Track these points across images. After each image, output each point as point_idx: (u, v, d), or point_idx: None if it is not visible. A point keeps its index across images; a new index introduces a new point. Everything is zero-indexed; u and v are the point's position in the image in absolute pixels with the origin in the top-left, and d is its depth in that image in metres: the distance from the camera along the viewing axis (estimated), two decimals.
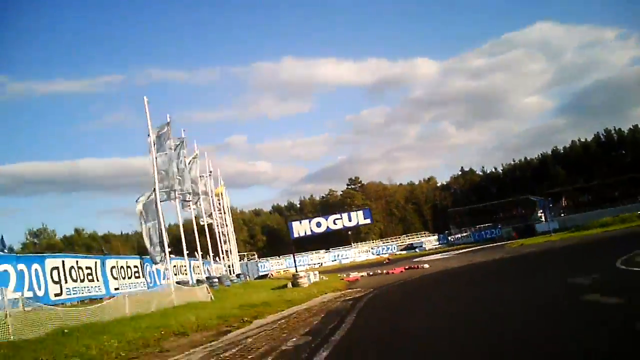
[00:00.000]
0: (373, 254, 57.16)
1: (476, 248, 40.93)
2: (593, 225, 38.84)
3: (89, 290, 14.69)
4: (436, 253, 44.36)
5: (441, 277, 19.08)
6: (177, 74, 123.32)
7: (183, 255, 21.53)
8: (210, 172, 32.90)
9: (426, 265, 25.12)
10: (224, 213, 35.60)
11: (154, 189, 18.43)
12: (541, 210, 51.99)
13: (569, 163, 66.18)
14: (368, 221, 26.62)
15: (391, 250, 57.82)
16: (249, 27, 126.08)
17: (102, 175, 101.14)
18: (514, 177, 71.53)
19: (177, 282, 17.77)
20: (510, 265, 19.87)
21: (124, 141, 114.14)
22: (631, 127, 66.22)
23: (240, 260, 42.90)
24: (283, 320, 10.63)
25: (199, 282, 19.38)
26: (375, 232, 69.80)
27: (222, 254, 33.09)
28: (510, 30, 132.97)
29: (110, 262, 16.36)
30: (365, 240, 65.13)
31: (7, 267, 11.66)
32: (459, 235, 56.95)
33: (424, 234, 64.35)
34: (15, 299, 10.29)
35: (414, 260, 33.01)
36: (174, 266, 21.22)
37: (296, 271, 25.96)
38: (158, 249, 18.36)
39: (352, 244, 60.49)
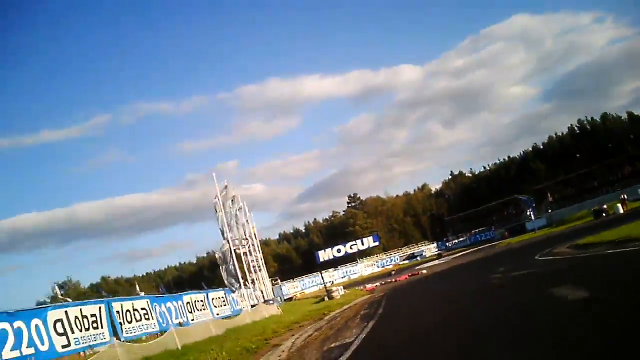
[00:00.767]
0: (378, 266, 62.06)
1: (467, 251, 49.52)
2: (570, 219, 45.85)
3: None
4: (435, 259, 52.50)
5: (431, 277, 28.62)
6: (163, 105, 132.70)
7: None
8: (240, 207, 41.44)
9: (424, 271, 34.16)
10: (253, 240, 44.03)
11: (227, 240, 27.39)
12: (530, 208, 55.79)
13: (549, 158, 70.59)
14: (377, 243, 35.92)
15: (394, 261, 63.07)
16: (231, 52, 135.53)
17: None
18: (499, 176, 76.08)
19: (264, 301, 26.61)
20: (478, 263, 28.48)
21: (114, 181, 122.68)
22: (602, 114, 70.64)
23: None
24: (346, 310, 19.54)
25: (265, 301, 28.27)
26: (379, 247, 78.53)
27: (256, 280, 41.65)
28: (488, 25, 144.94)
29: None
30: (370, 255, 73.49)
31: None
32: (456, 241, 63.77)
33: (423, 243, 70.40)
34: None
35: (416, 268, 41.98)
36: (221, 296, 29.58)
37: (326, 288, 34.91)
38: (233, 281, 27.25)
39: (358, 260, 68.41)
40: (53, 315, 12.75)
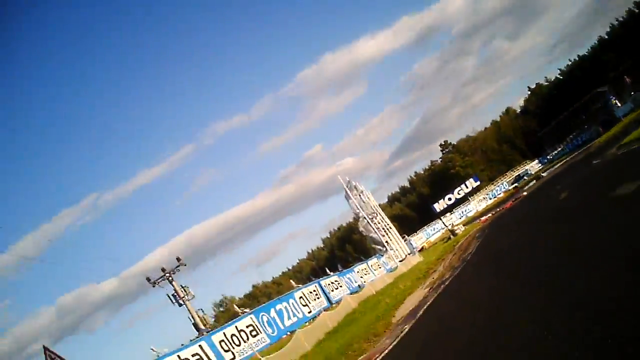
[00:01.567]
0: (490, 198, 65.58)
1: (567, 160, 54.75)
2: None
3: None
4: (540, 174, 55.67)
5: (530, 196, 36.21)
6: (235, 119, 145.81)
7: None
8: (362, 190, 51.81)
9: (524, 193, 41.94)
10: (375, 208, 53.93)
11: (363, 216, 37.77)
12: (612, 97, 57.67)
13: (618, 46, 68.83)
14: (478, 183, 44.33)
15: (503, 188, 66.57)
16: (274, 48, 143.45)
17: None
18: (576, 77, 76.07)
19: (408, 254, 37.01)
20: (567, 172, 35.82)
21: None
22: None
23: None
24: (467, 238, 29.05)
25: (408, 254, 38.57)
26: (485, 180, 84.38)
27: (389, 241, 52.11)
28: None
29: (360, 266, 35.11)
30: (479, 190, 79.49)
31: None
32: (555, 152, 67.45)
33: (525, 162, 74.13)
34: None
35: (520, 191, 49.38)
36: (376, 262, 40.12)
37: (449, 229, 44.31)
38: (379, 247, 37.69)
39: (469, 199, 67.47)
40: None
